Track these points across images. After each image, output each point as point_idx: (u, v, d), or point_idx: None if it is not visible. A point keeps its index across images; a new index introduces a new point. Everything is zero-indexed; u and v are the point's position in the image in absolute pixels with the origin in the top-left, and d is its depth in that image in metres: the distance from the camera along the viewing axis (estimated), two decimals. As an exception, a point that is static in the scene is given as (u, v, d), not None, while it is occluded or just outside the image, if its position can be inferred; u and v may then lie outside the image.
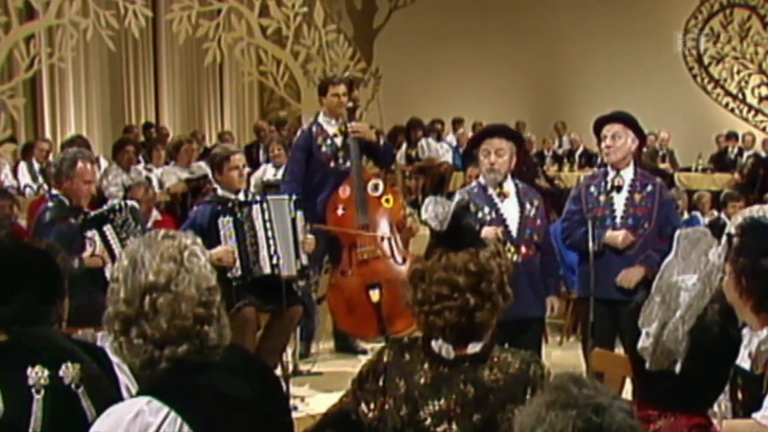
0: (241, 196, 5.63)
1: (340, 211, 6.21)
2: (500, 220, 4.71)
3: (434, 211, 2.49)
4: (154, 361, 2.05)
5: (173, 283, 2.05)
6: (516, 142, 4.95)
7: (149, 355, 2.04)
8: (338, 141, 6.45)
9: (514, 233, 4.72)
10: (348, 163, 6.36)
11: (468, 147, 4.97)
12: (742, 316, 2.79)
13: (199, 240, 2.15)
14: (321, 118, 6.58)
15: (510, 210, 4.76)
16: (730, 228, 2.73)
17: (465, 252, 2.39)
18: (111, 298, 2.10)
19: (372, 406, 2.39)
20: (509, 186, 4.82)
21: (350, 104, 6.51)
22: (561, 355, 6.72)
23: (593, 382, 1.61)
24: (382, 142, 6.59)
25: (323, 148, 6.44)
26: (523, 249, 4.74)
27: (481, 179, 4.85)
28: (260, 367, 2.27)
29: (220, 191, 5.68)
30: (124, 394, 2.40)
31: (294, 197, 5.70)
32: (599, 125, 4.92)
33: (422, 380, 2.36)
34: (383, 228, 6.21)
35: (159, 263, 2.06)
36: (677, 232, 2.01)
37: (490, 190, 4.77)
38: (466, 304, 2.35)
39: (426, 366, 2.37)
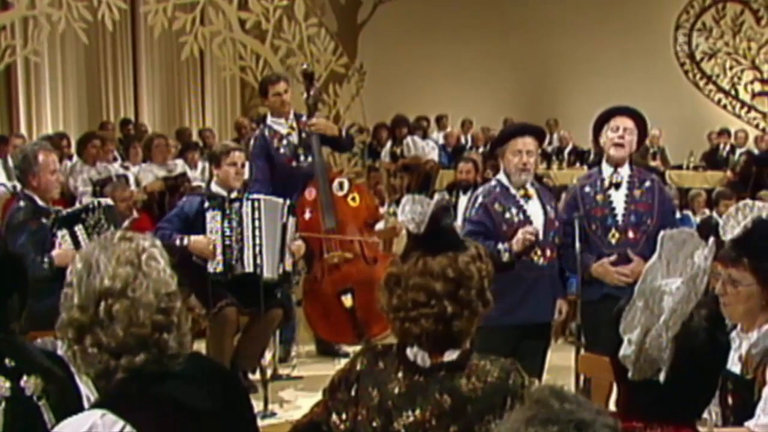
0: (233, 195, 5.62)
1: (307, 215, 6.18)
2: (527, 223, 4.67)
3: (412, 211, 2.42)
4: (110, 372, 1.97)
5: (130, 289, 1.97)
6: (541, 141, 4.91)
7: (104, 365, 1.97)
8: (294, 138, 6.38)
9: (540, 236, 4.68)
10: (310, 159, 6.30)
11: (495, 143, 4.88)
12: (751, 321, 2.73)
13: (158, 242, 2.08)
14: (270, 120, 6.50)
15: (535, 212, 4.71)
16: (729, 231, 2.66)
17: (443, 256, 2.33)
18: (64, 304, 2.02)
19: (344, 416, 2.33)
20: (531, 187, 4.76)
21: (311, 100, 6.43)
22: (549, 357, 6.67)
23: (575, 395, 1.54)
24: (343, 133, 6.52)
25: (281, 150, 6.38)
26: (548, 252, 4.72)
27: (502, 179, 4.75)
28: (224, 376, 2.20)
29: (213, 187, 5.67)
30: (86, 406, 2.33)
31: (289, 202, 5.68)
32: (606, 117, 4.83)
33: (396, 390, 2.29)
34: (351, 229, 6.16)
35: (115, 267, 1.98)
36: (661, 233, 1.94)
37: (513, 191, 4.70)
38: (443, 311, 2.28)
39: (400, 375, 2.31)
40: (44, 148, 5.13)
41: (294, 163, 6.37)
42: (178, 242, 5.39)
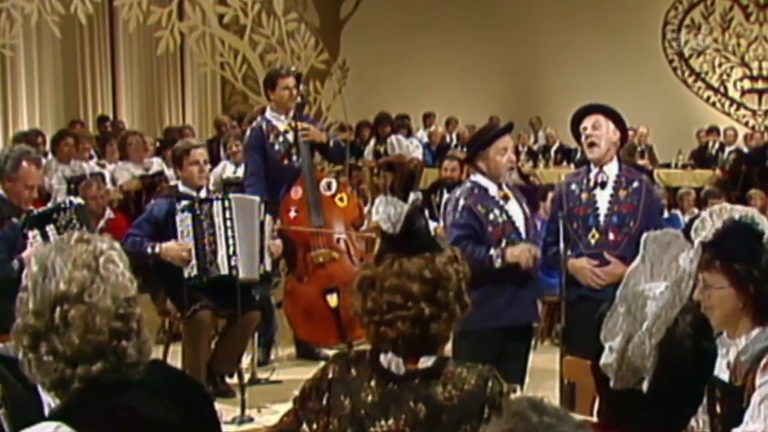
0: (203, 194, 5.55)
1: (292, 214, 6.14)
2: (510, 223, 4.64)
3: (386, 212, 2.38)
4: (66, 381, 1.90)
5: (87, 293, 1.89)
6: None
7: (60, 374, 1.90)
8: (290, 137, 6.34)
9: (523, 236, 4.65)
10: (301, 160, 6.26)
11: (477, 148, 4.82)
12: (732, 327, 2.68)
13: (117, 244, 2.01)
14: (269, 114, 6.47)
15: (515, 212, 4.68)
16: (701, 234, 2.60)
17: (420, 257, 2.29)
18: (20, 309, 1.95)
19: (314, 426, 2.29)
20: (506, 188, 4.74)
21: (299, 99, 6.40)
22: (534, 360, 6.64)
23: (555, 408, 1.49)
24: (332, 143, 6.49)
25: (276, 146, 6.34)
26: None
27: (480, 180, 4.69)
28: (187, 385, 2.13)
29: (180, 187, 5.61)
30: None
31: (264, 199, 5.63)
32: (577, 119, 4.80)
33: (369, 398, 2.25)
34: (338, 229, 6.13)
35: (71, 270, 1.91)
36: (644, 235, 1.89)
37: (493, 192, 4.66)
38: (420, 313, 2.24)
39: (373, 382, 2.26)
40: (30, 158, 5.04)
41: (285, 162, 6.32)
42: (149, 250, 5.31)
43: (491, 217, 4.59)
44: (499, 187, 4.67)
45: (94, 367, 1.89)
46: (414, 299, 2.25)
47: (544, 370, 5.65)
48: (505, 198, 4.67)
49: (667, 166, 13.80)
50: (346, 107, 9.15)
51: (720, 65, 16.29)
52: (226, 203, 5.48)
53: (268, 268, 5.62)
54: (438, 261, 2.29)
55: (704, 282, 2.65)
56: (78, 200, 5.30)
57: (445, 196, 7.84)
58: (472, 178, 4.76)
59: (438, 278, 2.27)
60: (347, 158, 9.45)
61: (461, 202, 4.61)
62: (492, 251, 4.51)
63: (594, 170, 4.74)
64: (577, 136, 4.81)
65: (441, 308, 2.27)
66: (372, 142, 12.40)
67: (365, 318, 2.30)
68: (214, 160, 10.34)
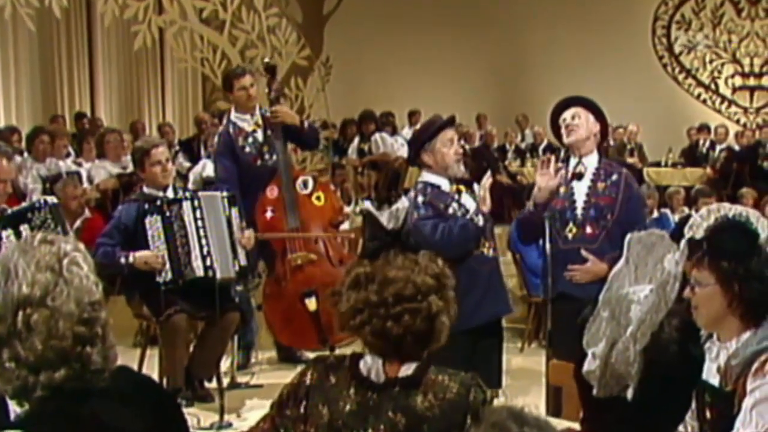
0: (170, 193, 5.48)
1: (268, 214, 6.08)
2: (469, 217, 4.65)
3: (375, 209, 2.37)
4: (29, 389, 1.86)
5: (50, 297, 1.85)
6: None
7: (23, 381, 1.85)
8: (259, 136, 6.29)
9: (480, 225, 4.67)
10: (275, 157, 6.21)
11: (423, 141, 4.78)
12: (720, 328, 2.66)
13: (81, 246, 1.96)
14: (234, 116, 6.39)
15: (470, 205, 4.70)
16: (694, 231, 2.59)
17: (423, 254, 2.29)
18: None
19: (291, 434, 2.24)
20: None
21: (273, 95, 6.34)
22: (522, 363, 6.63)
23: (536, 418, 1.46)
24: (306, 124, 6.43)
25: (246, 148, 6.27)
26: (493, 242, 4.74)
27: (430, 179, 4.69)
28: (155, 392, 2.09)
29: (146, 189, 5.53)
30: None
31: (226, 194, 5.56)
32: (556, 114, 4.80)
33: (347, 407, 2.22)
34: (315, 229, 6.07)
35: (34, 273, 1.87)
36: (628, 236, 1.86)
37: (445, 188, 4.67)
38: (430, 307, 2.21)
39: (352, 391, 2.23)
40: (2, 153, 4.99)
41: (258, 162, 6.26)
42: (123, 260, 5.25)
43: (450, 211, 4.63)
44: (450, 181, 4.69)
45: (58, 374, 1.85)
46: (423, 293, 2.22)
47: (533, 372, 5.64)
48: (458, 192, 4.70)
49: (657, 164, 13.81)
50: (329, 105, 9.11)
51: (711, 62, 16.33)
52: (196, 202, 5.42)
53: (243, 262, 5.56)
54: (438, 259, 2.31)
55: (694, 279, 2.63)
56: (52, 199, 5.25)
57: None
58: (421, 179, 4.77)
59: (442, 274, 2.27)
60: (327, 150, 9.42)
61: (420, 199, 4.64)
62: (468, 215, 4.60)
63: (573, 161, 4.74)
64: (556, 130, 4.81)
65: (447, 303, 2.26)
66: (356, 140, 12.34)
67: (366, 312, 2.23)
68: (195, 159, 10.30)
